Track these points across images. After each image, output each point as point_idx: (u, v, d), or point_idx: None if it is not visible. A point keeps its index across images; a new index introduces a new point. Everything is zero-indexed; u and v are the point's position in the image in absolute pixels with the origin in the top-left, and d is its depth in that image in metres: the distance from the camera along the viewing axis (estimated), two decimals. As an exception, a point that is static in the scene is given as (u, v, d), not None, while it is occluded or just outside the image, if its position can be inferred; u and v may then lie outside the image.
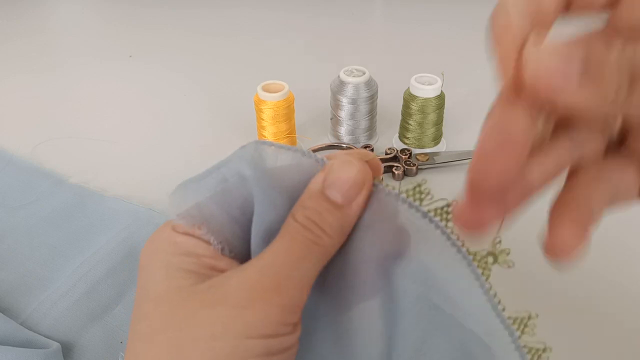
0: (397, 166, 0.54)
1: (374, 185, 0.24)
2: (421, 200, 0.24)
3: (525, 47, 0.17)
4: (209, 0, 1.00)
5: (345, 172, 0.24)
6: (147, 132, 0.64)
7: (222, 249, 0.24)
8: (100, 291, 0.42)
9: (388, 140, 0.60)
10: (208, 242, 0.24)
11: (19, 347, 0.36)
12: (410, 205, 0.24)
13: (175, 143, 0.61)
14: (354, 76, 0.56)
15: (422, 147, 0.57)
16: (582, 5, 0.19)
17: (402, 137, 0.58)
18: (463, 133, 0.61)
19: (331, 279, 0.25)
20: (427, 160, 0.55)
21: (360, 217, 0.24)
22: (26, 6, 0.99)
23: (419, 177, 0.55)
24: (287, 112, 0.54)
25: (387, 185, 0.24)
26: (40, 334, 0.39)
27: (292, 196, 0.24)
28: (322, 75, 0.63)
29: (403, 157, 0.56)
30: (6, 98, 0.72)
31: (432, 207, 0.24)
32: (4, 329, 0.37)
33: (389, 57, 0.80)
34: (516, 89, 0.18)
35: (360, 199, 0.24)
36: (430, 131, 0.56)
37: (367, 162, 0.25)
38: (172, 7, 0.98)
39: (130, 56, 0.81)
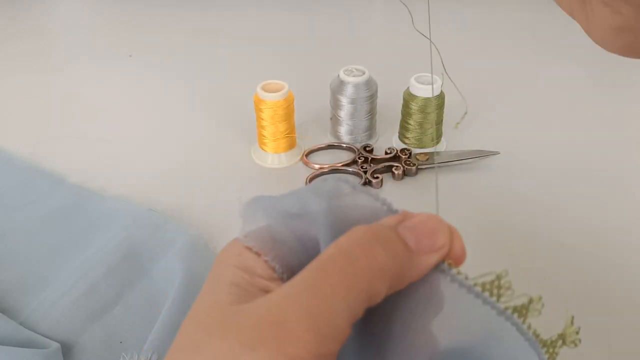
0: (397, 166, 0.54)
1: (443, 269, 0.22)
2: (499, 296, 0.21)
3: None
4: (209, 0, 0.99)
5: (430, 221, 0.22)
6: (146, 132, 0.64)
7: (288, 278, 0.23)
8: (99, 291, 0.42)
9: (388, 140, 0.60)
10: (272, 267, 0.23)
11: (19, 347, 0.36)
12: (485, 302, 0.21)
13: (175, 143, 0.61)
14: (353, 76, 0.56)
15: (422, 147, 0.57)
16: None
17: (402, 136, 0.58)
18: (463, 133, 0.61)
19: (380, 334, 0.23)
20: (427, 160, 0.55)
21: (421, 293, 0.22)
22: (26, 6, 0.99)
23: (420, 179, 0.55)
24: (287, 111, 0.54)
25: (459, 272, 0.22)
26: (40, 334, 0.39)
27: None
28: (322, 74, 0.63)
29: (403, 156, 0.56)
30: (5, 98, 0.72)
31: (511, 304, 0.21)
32: (4, 328, 0.37)
33: (389, 57, 0.80)
34: None
35: (432, 259, 0.21)
36: (430, 131, 0.56)
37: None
38: (172, 7, 0.98)
39: (130, 56, 0.81)
